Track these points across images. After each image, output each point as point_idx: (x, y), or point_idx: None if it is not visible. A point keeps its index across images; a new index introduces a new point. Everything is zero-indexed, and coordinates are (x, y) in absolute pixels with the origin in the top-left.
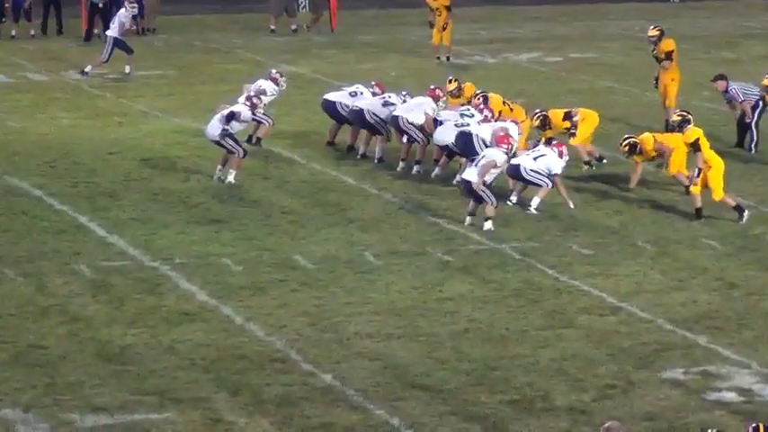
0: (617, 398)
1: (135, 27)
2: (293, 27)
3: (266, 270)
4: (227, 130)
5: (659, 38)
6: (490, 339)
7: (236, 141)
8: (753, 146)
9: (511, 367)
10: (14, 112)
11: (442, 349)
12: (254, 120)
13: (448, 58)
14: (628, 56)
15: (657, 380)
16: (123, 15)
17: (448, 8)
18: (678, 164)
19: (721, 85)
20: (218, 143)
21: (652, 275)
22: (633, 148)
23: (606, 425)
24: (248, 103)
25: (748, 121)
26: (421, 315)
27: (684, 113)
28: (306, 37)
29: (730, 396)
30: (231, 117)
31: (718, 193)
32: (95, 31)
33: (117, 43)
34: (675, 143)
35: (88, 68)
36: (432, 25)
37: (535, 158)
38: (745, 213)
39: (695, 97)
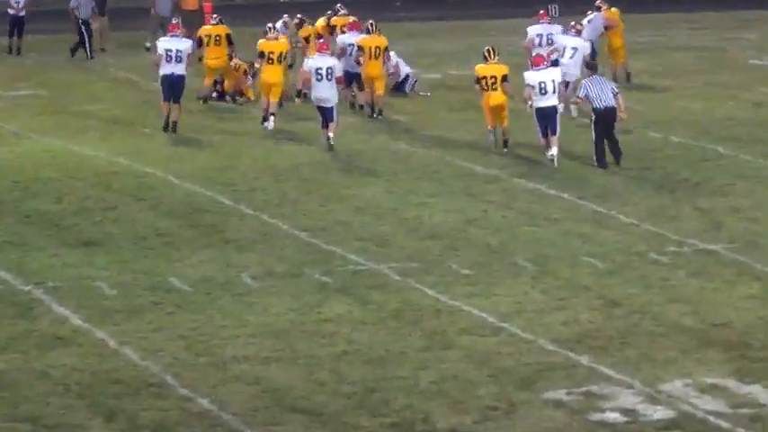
0: (499, 419)
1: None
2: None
3: (141, 293)
4: None
5: None
6: (369, 361)
7: None
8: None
9: (391, 389)
10: None
11: (321, 372)
12: None
13: None
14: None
15: (540, 401)
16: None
17: None
18: None
19: None
20: None
21: (533, 295)
22: None
23: None
24: None
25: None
26: (299, 337)
27: None
28: None
29: (614, 416)
30: None
31: None
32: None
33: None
34: None
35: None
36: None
37: None
38: None
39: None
